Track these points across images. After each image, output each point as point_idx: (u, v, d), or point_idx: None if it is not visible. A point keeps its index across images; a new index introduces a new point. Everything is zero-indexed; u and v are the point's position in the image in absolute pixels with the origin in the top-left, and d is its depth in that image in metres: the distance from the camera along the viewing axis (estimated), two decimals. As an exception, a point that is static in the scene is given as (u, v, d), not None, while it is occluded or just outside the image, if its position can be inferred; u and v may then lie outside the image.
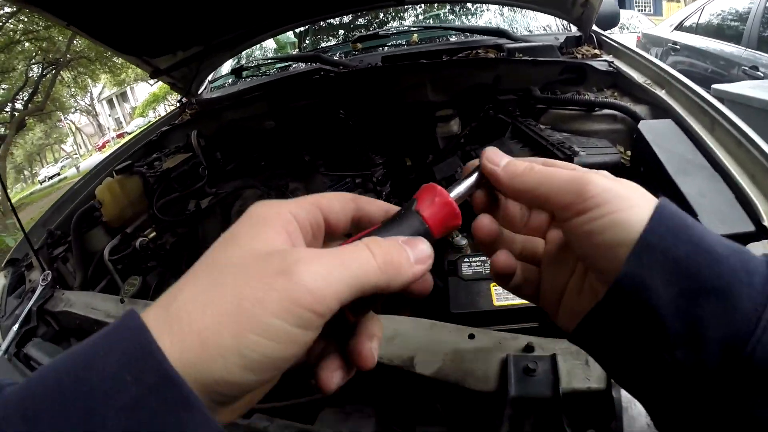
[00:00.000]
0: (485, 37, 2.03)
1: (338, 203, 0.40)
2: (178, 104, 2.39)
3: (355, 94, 1.81)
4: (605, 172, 0.38)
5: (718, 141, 1.18)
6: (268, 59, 2.63)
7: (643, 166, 1.24)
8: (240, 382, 0.28)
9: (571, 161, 1.14)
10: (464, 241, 1.08)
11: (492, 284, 0.95)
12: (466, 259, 1.01)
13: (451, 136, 1.56)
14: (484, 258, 1.01)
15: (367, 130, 1.71)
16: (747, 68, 4.23)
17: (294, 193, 1.43)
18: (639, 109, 1.38)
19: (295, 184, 1.52)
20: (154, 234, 1.49)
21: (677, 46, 5.57)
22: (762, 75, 4.00)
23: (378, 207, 0.42)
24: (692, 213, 0.96)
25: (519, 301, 0.89)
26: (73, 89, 19.20)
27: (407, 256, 0.35)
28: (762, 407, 0.28)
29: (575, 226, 0.36)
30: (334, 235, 0.41)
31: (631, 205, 0.34)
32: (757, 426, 0.28)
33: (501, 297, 0.93)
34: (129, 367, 0.26)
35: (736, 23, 4.72)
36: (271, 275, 0.29)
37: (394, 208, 0.42)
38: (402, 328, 0.80)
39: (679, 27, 5.80)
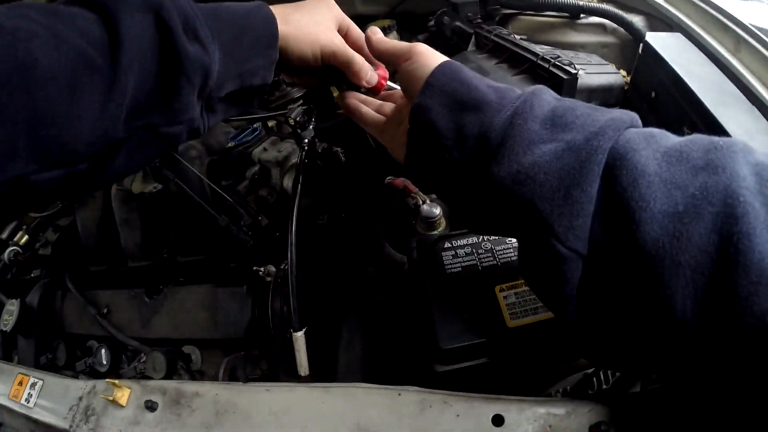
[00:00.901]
0: None
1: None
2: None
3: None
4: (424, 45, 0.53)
5: (747, 67, 0.89)
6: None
7: (655, 92, 0.91)
8: (304, 56, 0.57)
9: (575, 82, 0.78)
10: (437, 210, 0.67)
11: (497, 287, 0.57)
12: (448, 243, 0.61)
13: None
14: (476, 237, 0.63)
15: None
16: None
17: (187, 151, 0.97)
18: (633, 19, 1.05)
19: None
20: (26, 238, 1.19)
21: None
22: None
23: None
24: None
25: (540, 315, 0.54)
26: None
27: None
28: (496, 165, 0.40)
29: (403, 69, 0.52)
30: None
31: (433, 61, 0.49)
32: (494, 180, 0.39)
33: (513, 308, 0.56)
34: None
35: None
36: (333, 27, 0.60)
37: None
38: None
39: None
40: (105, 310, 0.96)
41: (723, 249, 0.29)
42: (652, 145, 0.35)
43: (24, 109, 0.35)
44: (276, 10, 0.54)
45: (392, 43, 0.56)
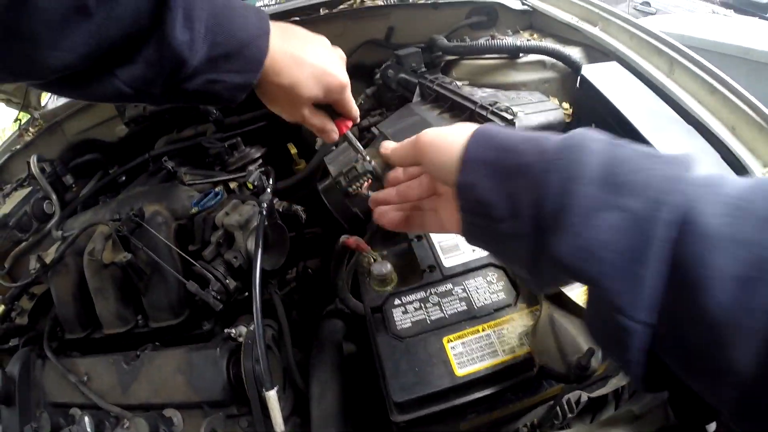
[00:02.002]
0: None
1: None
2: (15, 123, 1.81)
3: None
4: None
5: (682, 87, 0.94)
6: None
7: (594, 122, 0.96)
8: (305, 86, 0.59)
9: (513, 127, 0.82)
10: (386, 269, 0.71)
11: (445, 338, 0.61)
12: (398, 300, 0.65)
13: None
14: (423, 292, 0.66)
15: (237, 117, 1.34)
16: (638, 4, 4.11)
17: (153, 218, 0.99)
18: (570, 51, 1.10)
19: (154, 206, 1.06)
20: (2, 308, 1.19)
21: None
22: (654, 11, 3.96)
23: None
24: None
25: (486, 362, 0.57)
26: None
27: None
28: (556, 237, 0.38)
29: (425, 161, 0.51)
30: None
31: (446, 140, 0.48)
32: (555, 253, 0.38)
33: (460, 358, 0.59)
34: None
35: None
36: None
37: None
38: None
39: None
40: (85, 378, 0.98)
41: None
42: (714, 196, 0.33)
43: (11, 22, 0.39)
44: (285, 34, 0.57)
45: (401, 146, 0.55)
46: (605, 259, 0.35)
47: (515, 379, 0.61)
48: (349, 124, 0.68)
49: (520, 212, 0.41)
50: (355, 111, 0.67)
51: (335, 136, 0.67)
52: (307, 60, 0.58)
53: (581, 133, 0.40)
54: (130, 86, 0.48)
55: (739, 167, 0.79)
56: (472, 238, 0.49)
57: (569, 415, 0.82)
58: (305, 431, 0.87)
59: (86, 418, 0.93)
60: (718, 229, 0.32)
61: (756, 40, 2.33)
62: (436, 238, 0.75)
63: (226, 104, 0.57)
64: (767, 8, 3.60)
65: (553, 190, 0.38)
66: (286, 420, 0.86)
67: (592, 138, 0.39)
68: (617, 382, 0.93)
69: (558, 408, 0.81)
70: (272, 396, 0.73)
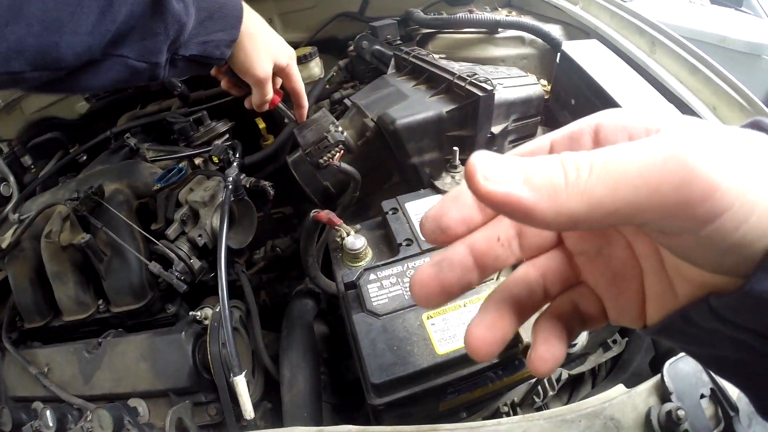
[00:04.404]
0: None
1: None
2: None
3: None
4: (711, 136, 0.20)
5: (663, 66, 0.93)
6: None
7: (574, 99, 0.94)
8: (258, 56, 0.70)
9: (492, 99, 0.79)
10: (361, 242, 0.67)
11: (425, 315, 0.57)
12: (373, 275, 0.61)
13: (312, 83, 1.13)
14: (401, 266, 0.63)
15: (204, 91, 1.29)
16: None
17: (114, 197, 0.93)
18: (550, 29, 1.08)
19: (115, 185, 0.99)
20: None
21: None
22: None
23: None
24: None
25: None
26: None
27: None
28: None
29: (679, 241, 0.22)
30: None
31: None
32: None
33: (441, 335, 0.56)
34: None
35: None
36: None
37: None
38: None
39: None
40: (46, 369, 0.92)
41: None
42: None
43: (40, 11, 0.43)
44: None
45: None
46: None
47: (500, 356, 0.58)
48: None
49: None
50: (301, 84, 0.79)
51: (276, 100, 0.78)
52: (267, 27, 0.71)
53: None
54: (142, 60, 0.54)
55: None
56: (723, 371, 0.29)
57: (550, 393, 0.81)
58: (277, 417, 0.84)
59: (48, 412, 0.87)
60: None
61: (731, 29, 2.35)
62: (412, 210, 0.72)
63: (218, 63, 0.66)
64: (742, 1, 3.68)
65: None
66: (256, 406, 0.82)
67: None
68: (595, 359, 0.92)
69: (539, 386, 0.79)
70: (240, 381, 0.69)
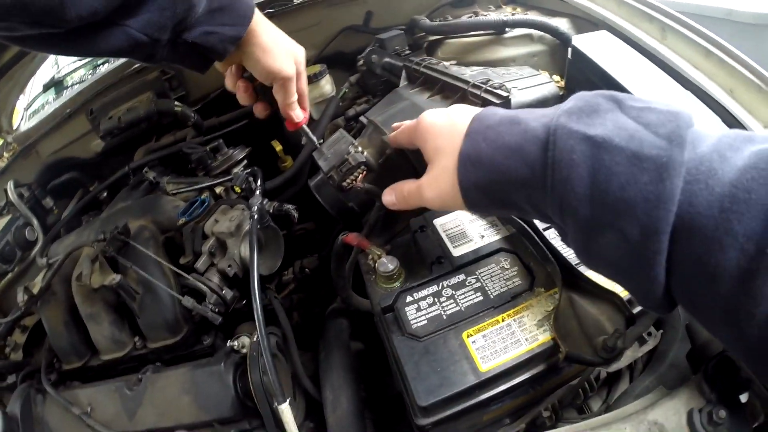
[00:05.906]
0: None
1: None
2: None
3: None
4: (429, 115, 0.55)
5: (676, 52, 0.91)
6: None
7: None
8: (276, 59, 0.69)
9: (509, 105, 0.79)
10: (393, 265, 0.67)
11: (464, 333, 0.58)
12: (409, 297, 0.61)
13: (325, 101, 1.13)
14: (435, 286, 0.63)
15: (217, 118, 1.29)
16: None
17: (139, 234, 0.95)
18: (557, 23, 1.07)
19: (139, 221, 1.01)
20: None
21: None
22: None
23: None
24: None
25: (510, 353, 0.55)
26: None
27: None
28: (566, 239, 0.45)
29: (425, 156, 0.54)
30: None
31: (450, 131, 0.50)
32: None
33: (483, 353, 0.56)
34: None
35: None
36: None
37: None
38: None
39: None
40: (89, 409, 0.93)
41: None
42: (711, 186, 0.32)
43: None
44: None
45: (401, 131, 0.61)
46: (612, 272, 0.40)
47: (541, 367, 0.58)
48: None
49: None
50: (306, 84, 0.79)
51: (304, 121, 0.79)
52: (279, 30, 0.72)
53: (563, 130, 0.39)
54: (144, 33, 0.53)
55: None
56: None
57: (590, 393, 0.80)
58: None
59: (97, 452, 0.89)
60: (716, 223, 0.31)
61: (737, 1, 2.31)
62: (441, 227, 0.72)
63: (217, 58, 0.64)
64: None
65: (554, 212, 0.41)
66: (299, 427, 0.83)
67: (575, 137, 0.38)
68: (632, 354, 0.91)
69: (580, 389, 0.79)
70: (286, 409, 0.69)
